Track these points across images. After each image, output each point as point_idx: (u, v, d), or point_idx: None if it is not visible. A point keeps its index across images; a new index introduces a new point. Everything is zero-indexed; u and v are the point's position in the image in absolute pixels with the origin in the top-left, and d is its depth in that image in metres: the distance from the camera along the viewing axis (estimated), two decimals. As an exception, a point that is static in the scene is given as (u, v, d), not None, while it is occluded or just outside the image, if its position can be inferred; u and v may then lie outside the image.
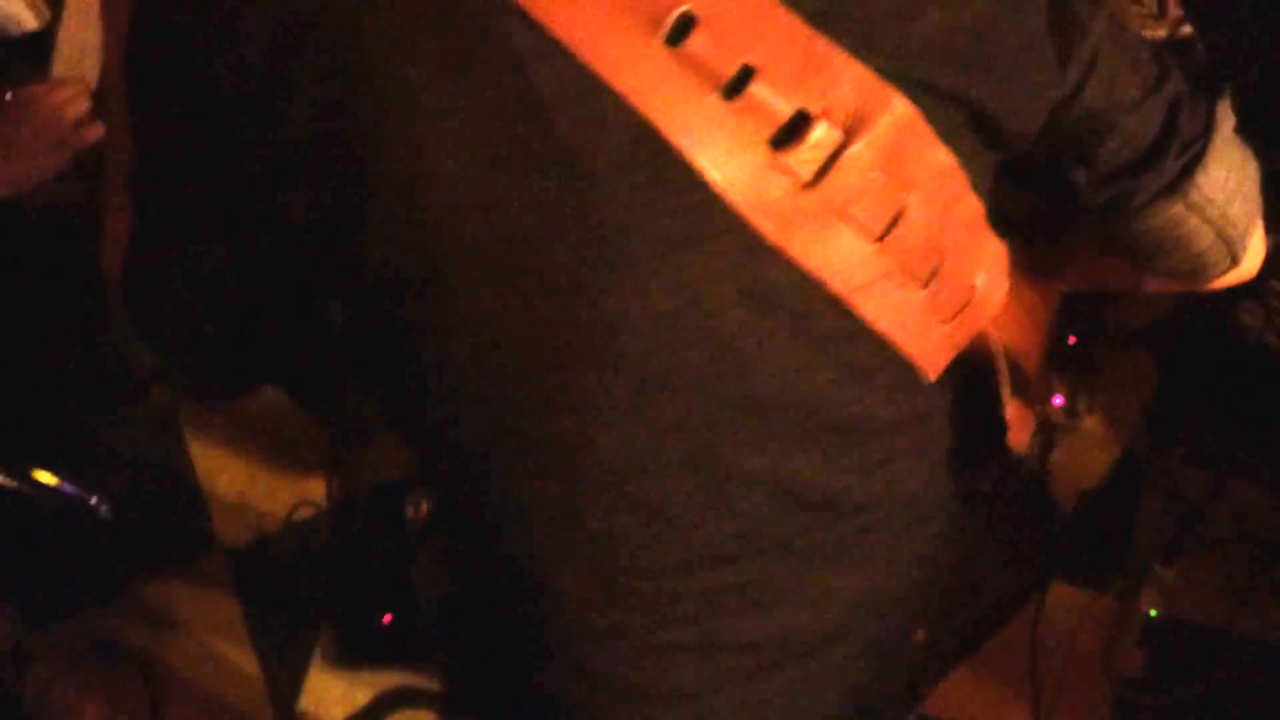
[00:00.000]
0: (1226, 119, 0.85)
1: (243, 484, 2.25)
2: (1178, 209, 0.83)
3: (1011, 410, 0.91)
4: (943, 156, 0.73)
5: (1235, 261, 0.89)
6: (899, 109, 0.69)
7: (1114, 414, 2.27)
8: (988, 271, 0.82)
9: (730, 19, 0.65)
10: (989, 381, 0.88)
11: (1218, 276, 0.90)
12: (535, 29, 0.63)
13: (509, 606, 0.84)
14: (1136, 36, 0.83)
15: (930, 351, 0.80)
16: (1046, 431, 2.16)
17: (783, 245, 0.69)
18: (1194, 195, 0.83)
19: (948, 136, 0.72)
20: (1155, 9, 1.85)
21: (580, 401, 0.71)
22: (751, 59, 0.65)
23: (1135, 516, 2.12)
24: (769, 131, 0.67)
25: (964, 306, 0.81)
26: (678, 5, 0.64)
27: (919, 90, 0.70)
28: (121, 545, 2.06)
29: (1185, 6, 1.71)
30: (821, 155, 0.68)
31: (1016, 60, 0.74)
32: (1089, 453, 2.22)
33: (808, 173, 0.68)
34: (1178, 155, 0.82)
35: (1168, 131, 0.82)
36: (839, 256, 0.71)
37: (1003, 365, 0.88)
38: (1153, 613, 1.98)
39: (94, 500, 1.94)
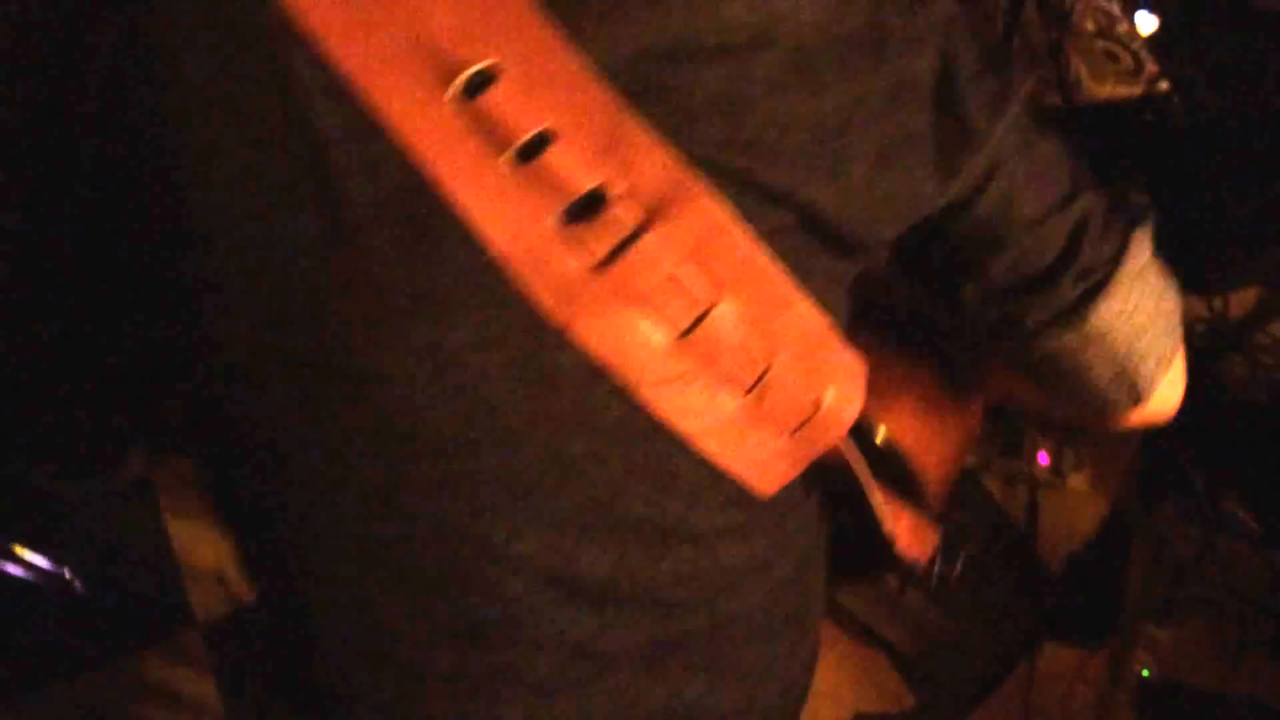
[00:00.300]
0: (1141, 247, 0.80)
1: (220, 556, 2.21)
2: (1072, 338, 0.79)
3: (904, 522, 0.87)
4: (761, 259, 0.68)
5: (1138, 401, 0.83)
6: (705, 202, 0.64)
7: (1100, 472, 2.25)
8: (838, 386, 0.76)
9: (534, 80, 0.61)
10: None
11: (1121, 414, 0.84)
12: (321, 65, 0.60)
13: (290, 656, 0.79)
14: (1053, 146, 0.78)
15: (756, 464, 0.74)
16: (1033, 491, 2.15)
17: (566, 325, 0.65)
18: (1092, 326, 0.78)
19: (773, 237, 0.67)
20: (1131, 65, 1.86)
21: (328, 447, 0.67)
22: (551, 125, 0.61)
23: (1125, 575, 2.10)
24: (562, 204, 0.63)
25: (806, 421, 0.75)
26: (478, 59, 0.60)
27: (738, 185, 0.65)
28: (95, 619, 2.02)
29: (1161, 63, 1.72)
30: (615, 237, 0.64)
31: (875, 165, 0.69)
32: (1076, 512, 2.20)
33: (599, 253, 0.64)
34: (1076, 281, 0.77)
35: (1067, 255, 0.77)
36: (631, 347, 0.66)
37: (867, 479, 0.84)
38: (1145, 673, 1.95)
39: (66, 573, 1.90)
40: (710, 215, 0.64)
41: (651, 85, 0.62)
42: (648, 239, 0.64)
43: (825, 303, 0.73)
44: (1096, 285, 0.78)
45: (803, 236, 0.69)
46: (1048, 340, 0.79)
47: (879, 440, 0.90)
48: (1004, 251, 0.76)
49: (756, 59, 0.64)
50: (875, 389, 0.82)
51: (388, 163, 0.61)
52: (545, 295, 0.64)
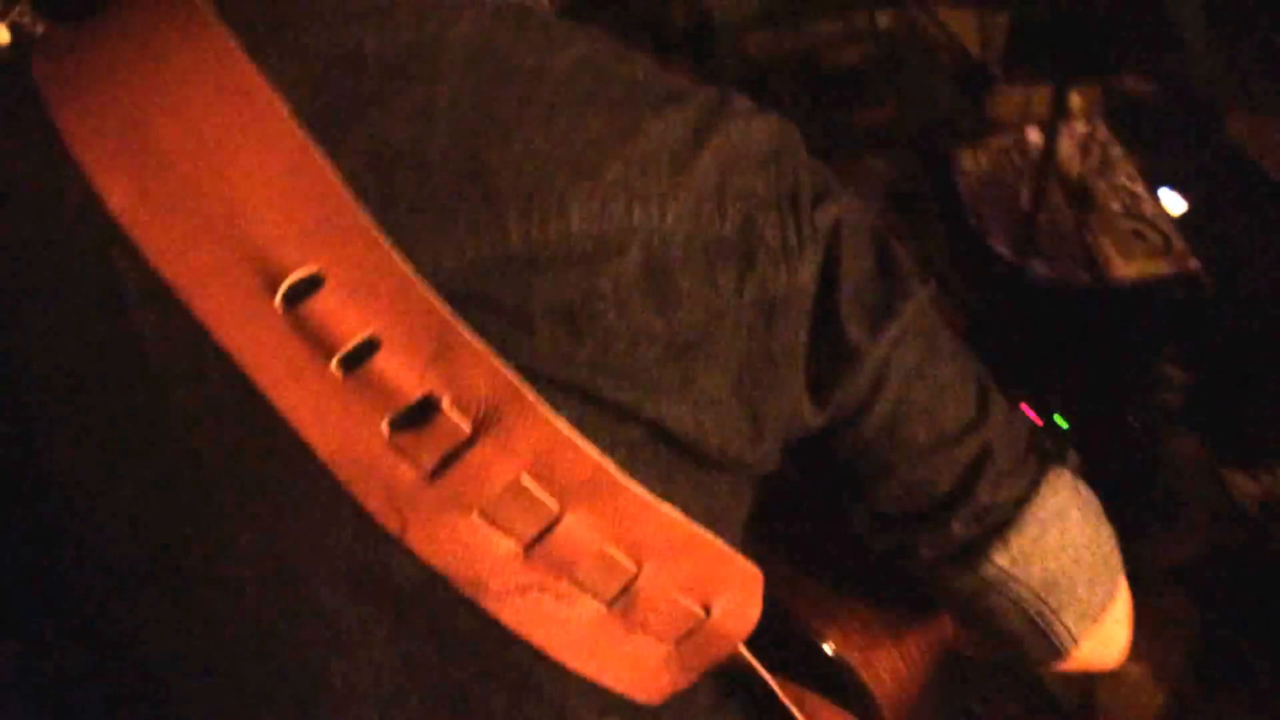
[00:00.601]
0: (1056, 487, 0.74)
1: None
2: (969, 581, 0.74)
3: None
4: (610, 472, 0.64)
5: (1059, 656, 0.77)
6: (539, 415, 0.62)
7: (1160, 660, 2.16)
8: (728, 594, 0.71)
9: (359, 286, 0.60)
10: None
11: (1045, 663, 0.78)
12: (145, 270, 0.59)
13: None
14: (954, 367, 0.73)
15: (632, 674, 0.69)
16: (1088, 679, 2.06)
17: (400, 532, 0.62)
18: (989, 570, 0.73)
19: (623, 450, 0.65)
20: (1160, 244, 1.86)
21: (166, 650, 0.65)
22: (376, 331, 0.60)
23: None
24: (390, 411, 0.61)
25: (692, 631, 0.70)
26: (300, 265, 0.59)
27: (578, 399, 0.63)
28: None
29: (1190, 240, 1.73)
30: (444, 447, 0.62)
31: (736, 381, 0.66)
32: (1135, 700, 2.11)
33: (429, 463, 0.62)
34: (969, 522, 0.73)
35: (960, 492, 0.72)
36: (473, 556, 0.63)
37: (776, 687, 0.77)
38: None
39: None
40: (546, 428, 0.62)
41: (485, 294, 0.61)
42: (479, 450, 0.62)
43: (701, 511, 0.69)
44: (993, 529, 0.73)
45: (657, 450, 0.66)
46: (948, 581, 0.75)
47: (830, 652, 0.85)
48: (890, 478, 0.72)
49: (603, 270, 0.63)
50: (823, 596, 0.79)
51: (212, 369, 0.60)
52: (376, 503, 0.62)
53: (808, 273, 0.68)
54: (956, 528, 0.73)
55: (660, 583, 0.68)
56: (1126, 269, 1.83)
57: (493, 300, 0.61)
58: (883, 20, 2.35)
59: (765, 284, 0.66)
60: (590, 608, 0.67)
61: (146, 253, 0.59)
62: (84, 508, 0.63)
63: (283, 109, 0.60)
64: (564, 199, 0.62)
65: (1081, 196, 1.93)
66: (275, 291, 0.59)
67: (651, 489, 0.66)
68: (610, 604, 0.67)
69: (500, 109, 0.63)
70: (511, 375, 0.61)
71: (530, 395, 0.61)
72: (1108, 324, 1.78)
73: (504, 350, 0.61)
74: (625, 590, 0.67)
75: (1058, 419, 1.64)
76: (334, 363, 0.60)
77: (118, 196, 0.60)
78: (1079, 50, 2.04)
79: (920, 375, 0.71)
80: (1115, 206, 1.96)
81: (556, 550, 0.65)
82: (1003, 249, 1.94)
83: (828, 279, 0.68)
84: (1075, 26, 2.05)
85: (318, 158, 0.60)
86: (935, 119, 2.24)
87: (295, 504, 0.62)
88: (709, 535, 0.69)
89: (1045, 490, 0.74)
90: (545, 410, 0.62)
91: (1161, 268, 1.87)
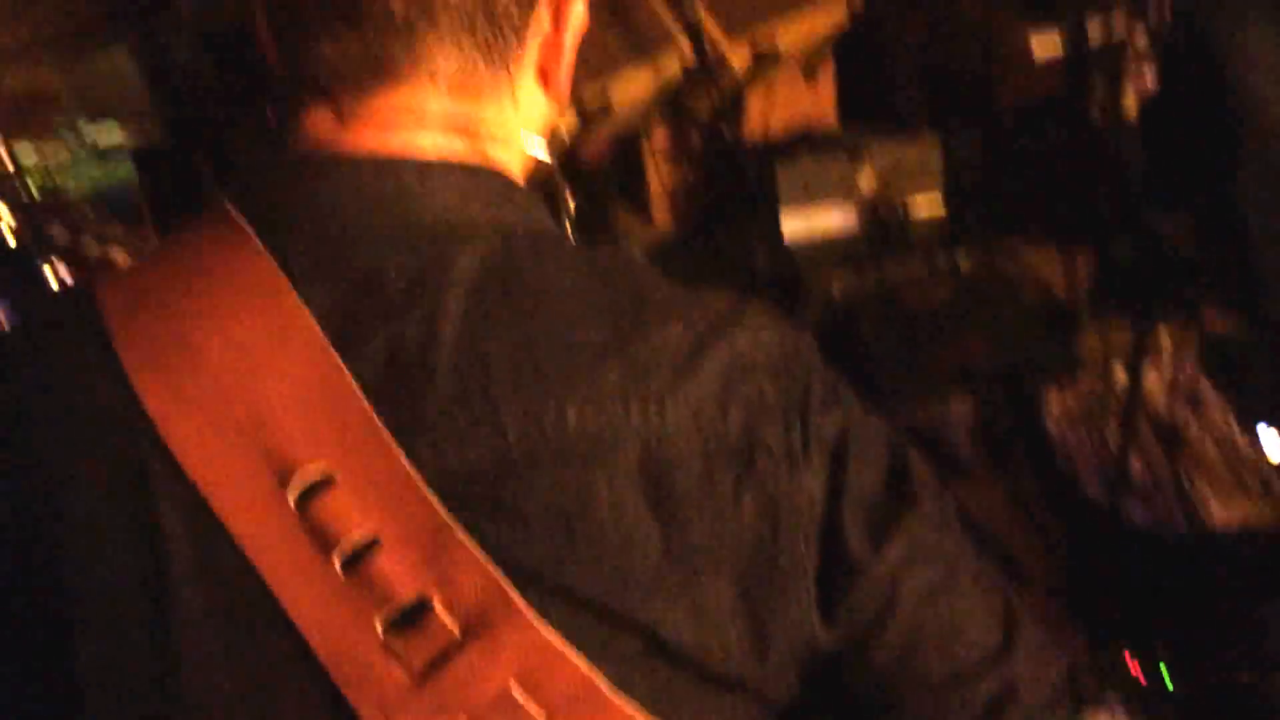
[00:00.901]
0: None
1: None
2: None
3: None
4: (600, 688, 0.62)
5: None
6: (527, 622, 0.61)
7: None
8: None
9: (365, 488, 0.62)
10: None
11: None
12: (173, 464, 0.63)
13: None
14: (977, 591, 0.69)
15: None
16: None
17: None
18: None
19: (617, 664, 0.63)
20: (1260, 489, 1.80)
21: None
22: (378, 531, 0.62)
23: None
24: (386, 611, 0.62)
25: None
26: (315, 464, 0.62)
27: (569, 604, 0.62)
28: None
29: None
30: (433, 649, 0.62)
31: (738, 591, 0.64)
32: None
33: (417, 664, 0.62)
34: None
35: None
36: None
37: None
38: None
39: None
40: (533, 636, 0.61)
41: (483, 494, 0.62)
42: (467, 655, 0.61)
43: None
44: None
45: (654, 664, 0.64)
46: None
47: None
48: (901, 714, 0.68)
49: (597, 470, 0.63)
50: None
51: (226, 565, 0.62)
52: (369, 709, 0.61)
53: (813, 480, 0.66)
54: None
55: None
56: (1226, 514, 1.77)
57: (490, 500, 0.62)
58: (964, 260, 2.38)
59: (766, 488, 0.65)
60: None
61: (174, 448, 0.63)
62: (94, 700, 0.65)
63: (310, 321, 0.64)
64: (562, 400, 0.63)
65: (1173, 437, 1.89)
66: (289, 489, 0.62)
67: (647, 707, 0.63)
68: None
69: (505, 317, 0.65)
70: (501, 580, 0.61)
71: (519, 601, 0.61)
72: (1209, 571, 1.70)
73: (497, 551, 0.61)
74: None
75: (1163, 672, 1.56)
76: (336, 561, 0.62)
77: (154, 397, 0.64)
78: (1165, 289, 2.03)
79: (934, 599, 0.68)
80: (1210, 448, 1.91)
81: None
82: (1094, 492, 1.90)
83: (834, 489, 0.67)
84: (1160, 266, 2.05)
85: (337, 365, 0.63)
86: (1021, 358, 2.23)
87: (290, 706, 0.63)
88: None
89: None
90: (533, 617, 0.61)
91: (1263, 513, 1.80)
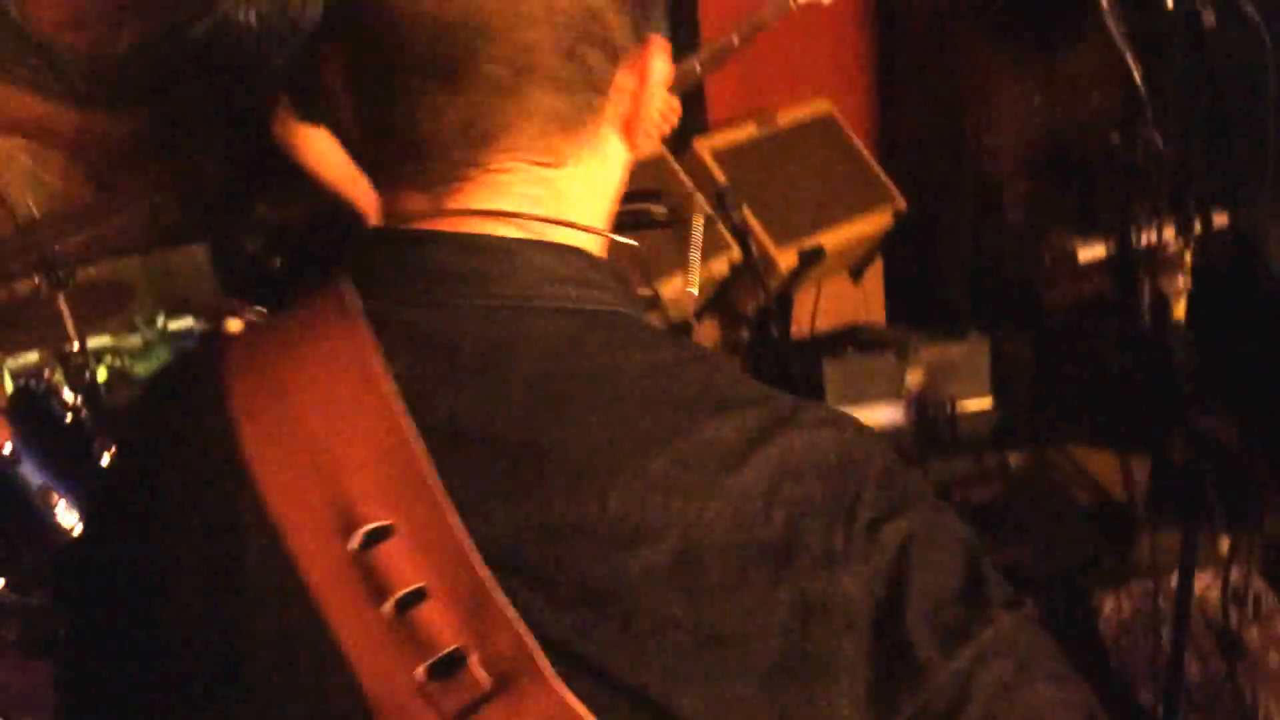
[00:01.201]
0: None
1: None
2: None
3: None
4: None
5: None
6: (550, 687, 0.64)
7: None
8: None
9: (420, 543, 0.66)
10: None
11: None
12: (259, 501, 0.68)
13: None
14: (1059, 692, 0.68)
15: None
16: None
17: None
18: None
19: None
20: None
21: None
22: (427, 583, 0.65)
23: None
24: (427, 658, 0.65)
25: None
26: (376, 516, 0.67)
27: (593, 676, 0.64)
28: None
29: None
30: (465, 699, 0.65)
31: (766, 682, 0.64)
32: None
33: (448, 712, 0.64)
34: None
35: None
36: None
37: None
38: None
39: None
40: (555, 700, 0.64)
41: (524, 561, 0.65)
42: (493, 707, 0.64)
43: None
44: None
45: None
46: None
47: None
48: None
49: (635, 555, 0.65)
50: None
51: (292, 597, 0.67)
52: None
53: (854, 584, 0.66)
54: None
55: None
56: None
57: (529, 567, 0.65)
58: (1015, 459, 2.35)
59: (801, 586, 0.65)
60: None
61: (262, 488, 0.69)
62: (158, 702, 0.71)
63: (390, 385, 0.70)
64: (605, 485, 0.66)
65: (1232, 646, 1.81)
66: (351, 535, 0.67)
67: None
68: None
69: (565, 397, 0.69)
70: (531, 643, 0.64)
71: (544, 665, 0.63)
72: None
73: (529, 615, 0.64)
74: None
75: None
76: (388, 605, 0.65)
77: (250, 441, 0.71)
78: (1221, 493, 1.98)
79: (1009, 694, 0.66)
80: (1273, 657, 1.82)
81: None
82: (1148, 700, 1.81)
83: (894, 591, 0.66)
84: (1217, 470, 2.00)
85: (406, 428, 0.69)
86: (1075, 561, 2.17)
87: None
88: None
89: None
90: (557, 683, 0.64)
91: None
